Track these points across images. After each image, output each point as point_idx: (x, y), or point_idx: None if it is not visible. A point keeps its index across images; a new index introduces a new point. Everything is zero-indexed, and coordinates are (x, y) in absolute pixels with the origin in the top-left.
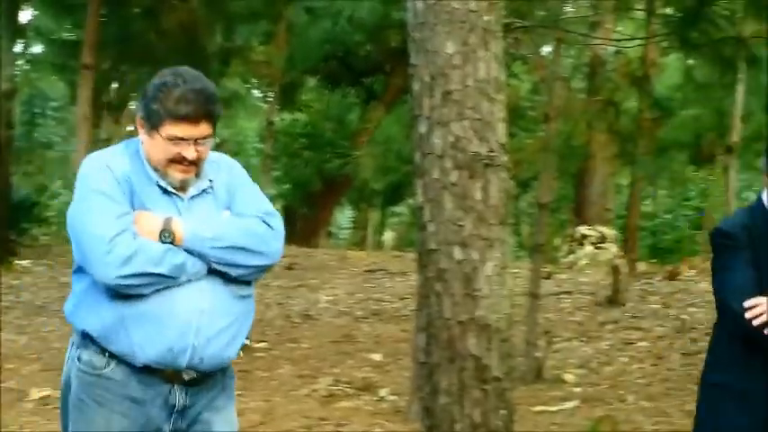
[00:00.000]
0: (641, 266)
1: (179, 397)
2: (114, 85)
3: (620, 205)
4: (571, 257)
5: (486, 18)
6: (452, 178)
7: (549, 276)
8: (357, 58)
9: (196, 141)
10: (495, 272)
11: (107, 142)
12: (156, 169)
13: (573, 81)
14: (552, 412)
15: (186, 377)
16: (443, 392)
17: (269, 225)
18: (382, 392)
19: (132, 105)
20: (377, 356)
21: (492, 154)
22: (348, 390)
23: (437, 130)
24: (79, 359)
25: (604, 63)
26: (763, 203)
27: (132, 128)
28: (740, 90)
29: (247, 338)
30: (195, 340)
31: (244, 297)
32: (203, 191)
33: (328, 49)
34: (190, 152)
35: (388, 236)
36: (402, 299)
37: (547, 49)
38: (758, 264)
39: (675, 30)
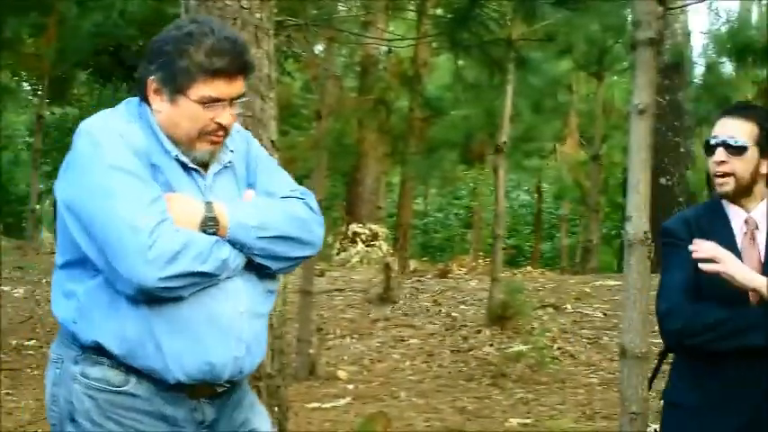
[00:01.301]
0: (413, 264)
1: (207, 411)
2: None
3: (392, 203)
4: (343, 255)
5: (258, 15)
6: None
7: (321, 274)
8: (129, 52)
9: (231, 102)
10: None
11: None
12: (175, 142)
13: (345, 80)
14: (326, 409)
15: (219, 390)
16: None
17: (310, 207)
18: None
19: None
20: None
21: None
22: None
23: None
24: (85, 375)
25: (376, 62)
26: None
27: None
28: (509, 91)
29: None
30: (237, 350)
31: (271, 293)
32: (224, 166)
33: (100, 43)
34: (225, 117)
35: None
36: None
37: (319, 48)
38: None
39: (446, 30)
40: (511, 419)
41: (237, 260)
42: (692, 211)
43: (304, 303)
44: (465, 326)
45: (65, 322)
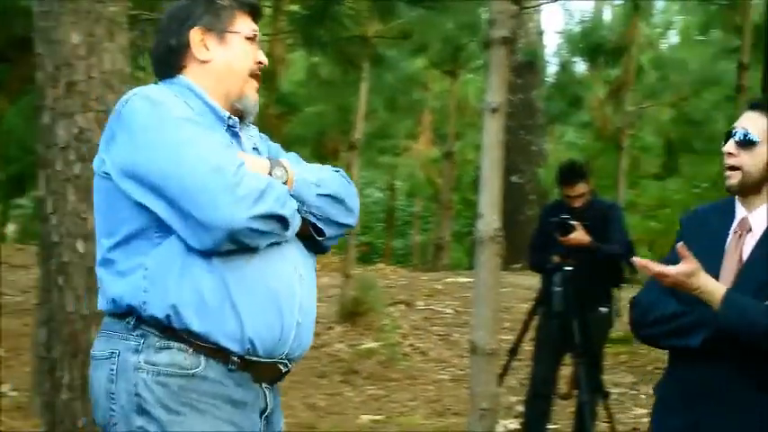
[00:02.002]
0: None
1: (269, 398)
2: None
3: None
4: None
5: (111, 9)
6: (76, 170)
7: None
8: None
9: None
10: None
11: None
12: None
13: None
14: None
15: (283, 370)
16: (66, 388)
17: (347, 179)
18: (4, 388)
19: None
20: None
21: None
22: None
23: (61, 122)
24: (151, 363)
25: None
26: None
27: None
28: (363, 88)
29: None
30: (300, 316)
31: (314, 270)
32: (254, 147)
33: None
34: (262, 55)
35: (11, 228)
36: (24, 292)
37: None
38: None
39: (301, 27)
40: (362, 416)
41: (297, 220)
42: (711, 205)
43: None
44: (317, 322)
45: (129, 300)
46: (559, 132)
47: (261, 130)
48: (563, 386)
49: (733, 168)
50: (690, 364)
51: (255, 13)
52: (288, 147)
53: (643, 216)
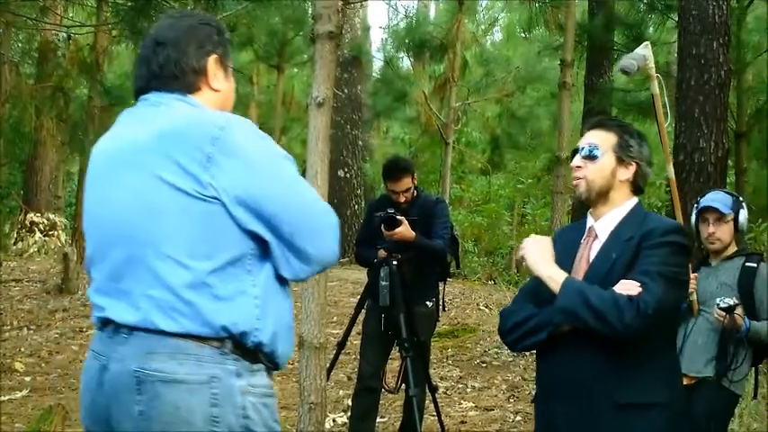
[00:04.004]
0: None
1: None
2: None
3: (71, 193)
4: (20, 245)
5: None
6: None
7: None
8: None
9: None
10: None
11: None
12: None
13: (22, 66)
14: (2, 402)
15: None
16: None
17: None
18: None
19: None
20: None
21: None
22: None
23: None
24: (253, 386)
25: (55, 49)
26: None
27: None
28: None
29: None
30: None
31: None
32: None
33: None
34: None
35: None
36: None
37: None
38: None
39: (126, 18)
40: None
41: None
42: (572, 224)
43: None
44: None
45: (243, 327)
46: (385, 127)
47: (84, 123)
48: (391, 380)
49: (579, 179)
50: (546, 361)
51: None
52: None
53: (469, 211)
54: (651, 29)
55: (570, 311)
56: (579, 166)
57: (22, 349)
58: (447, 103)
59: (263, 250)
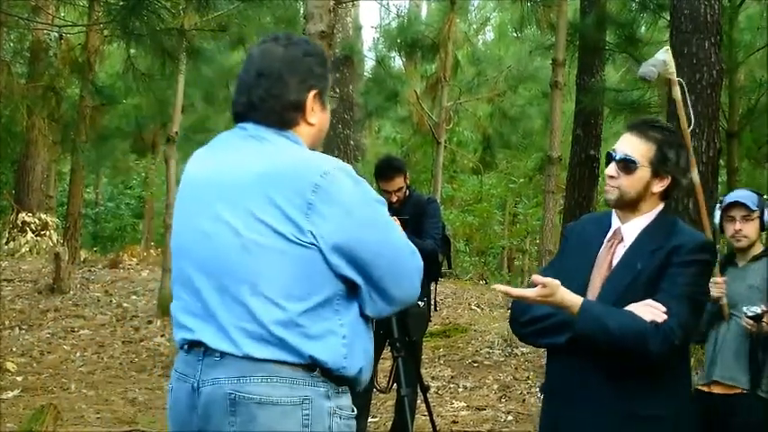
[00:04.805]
0: (83, 254)
1: None
2: None
3: (62, 193)
4: (12, 245)
5: None
6: None
7: None
8: None
9: None
10: None
11: None
12: None
13: (14, 65)
14: None
15: None
16: None
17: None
18: None
19: None
20: None
21: None
22: None
23: None
24: (340, 408)
25: (47, 48)
26: None
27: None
28: (181, 81)
29: None
30: None
31: None
32: None
33: None
34: None
35: None
36: None
37: None
38: (566, 267)
39: (118, 18)
40: None
41: None
42: (593, 215)
43: None
44: (136, 316)
45: (332, 364)
46: (377, 126)
47: (77, 122)
48: (382, 380)
49: (613, 187)
50: (557, 361)
51: None
52: (106, 139)
53: (461, 210)
54: (643, 28)
55: (589, 339)
56: (613, 176)
57: (14, 349)
58: (439, 102)
59: (351, 291)
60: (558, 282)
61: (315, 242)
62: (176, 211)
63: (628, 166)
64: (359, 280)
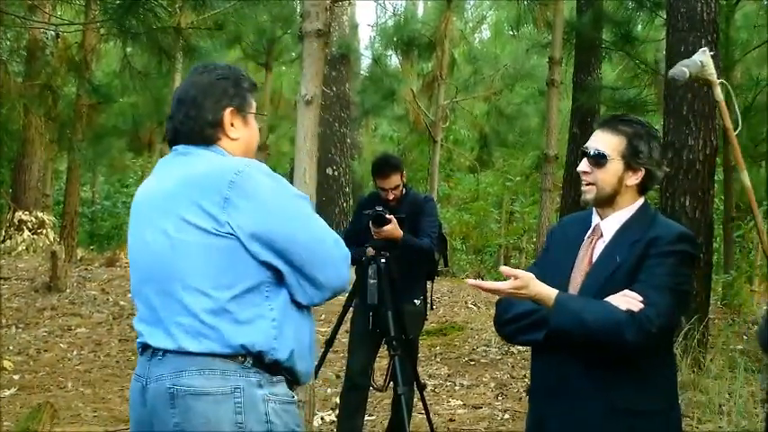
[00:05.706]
0: (80, 253)
1: None
2: None
3: (59, 191)
4: (9, 243)
5: None
6: None
7: None
8: None
9: None
10: None
11: None
12: None
13: (10, 64)
14: None
15: None
16: None
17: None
18: None
19: None
20: None
21: None
22: None
23: None
24: (274, 395)
25: (43, 47)
26: None
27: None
28: (177, 79)
29: None
30: None
31: None
32: None
33: None
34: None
35: None
36: None
37: None
38: (549, 265)
39: (114, 16)
40: None
41: None
42: (575, 215)
43: None
44: (133, 314)
45: (261, 346)
46: (374, 125)
47: (73, 121)
48: (379, 378)
49: (588, 184)
50: (539, 359)
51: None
52: (103, 138)
53: (457, 208)
54: (639, 26)
55: (565, 332)
56: (587, 172)
57: (11, 347)
58: (435, 100)
59: (280, 278)
60: (531, 274)
61: (232, 232)
62: (129, 233)
63: (599, 161)
64: (282, 267)
